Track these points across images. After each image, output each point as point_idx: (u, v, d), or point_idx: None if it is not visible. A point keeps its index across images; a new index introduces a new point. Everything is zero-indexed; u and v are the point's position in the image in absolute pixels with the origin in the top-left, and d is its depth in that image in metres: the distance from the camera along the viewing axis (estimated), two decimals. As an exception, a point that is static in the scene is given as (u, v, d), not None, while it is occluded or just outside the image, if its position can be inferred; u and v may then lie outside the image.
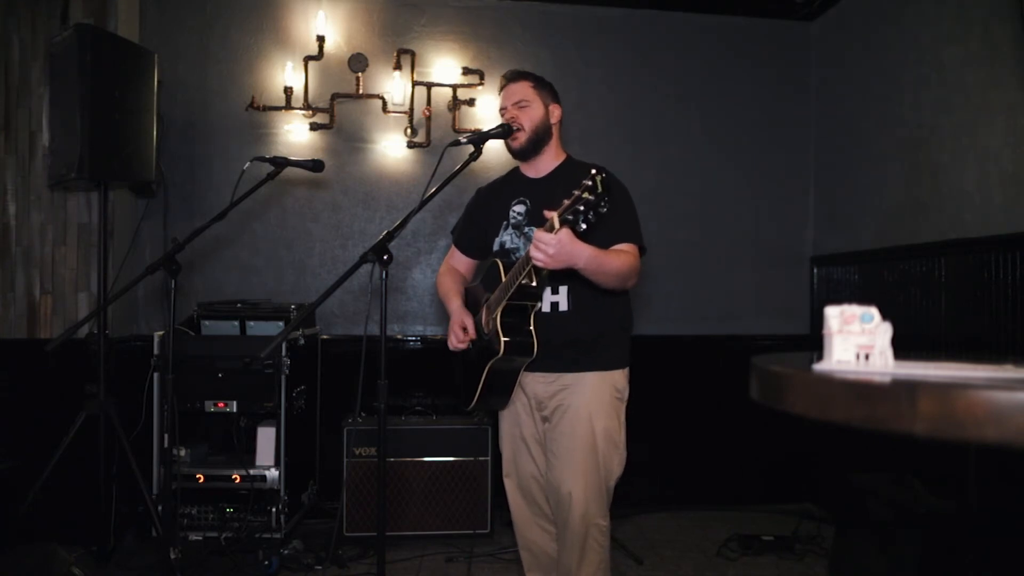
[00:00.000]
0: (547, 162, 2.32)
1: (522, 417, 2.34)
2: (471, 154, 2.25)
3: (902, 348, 0.92)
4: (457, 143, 2.24)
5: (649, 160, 4.10)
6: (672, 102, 4.16)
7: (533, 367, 2.21)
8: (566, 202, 1.77)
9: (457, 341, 2.27)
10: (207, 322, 3.29)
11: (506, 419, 2.39)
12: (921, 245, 3.31)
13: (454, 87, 3.94)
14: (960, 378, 0.82)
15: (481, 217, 2.44)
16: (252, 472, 3.10)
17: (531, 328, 2.13)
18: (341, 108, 3.90)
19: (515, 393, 2.29)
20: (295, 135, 3.86)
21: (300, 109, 3.82)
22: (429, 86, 3.93)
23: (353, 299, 3.90)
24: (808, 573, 3.16)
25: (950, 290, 3.12)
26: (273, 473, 3.11)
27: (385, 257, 2.04)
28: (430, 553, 3.28)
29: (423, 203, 2.18)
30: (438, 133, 3.94)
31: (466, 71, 3.96)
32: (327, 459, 3.63)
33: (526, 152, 2.29)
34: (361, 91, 3.87)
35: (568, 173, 2.22)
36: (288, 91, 3.80)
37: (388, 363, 2.11)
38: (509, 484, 2.40)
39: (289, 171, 2.72)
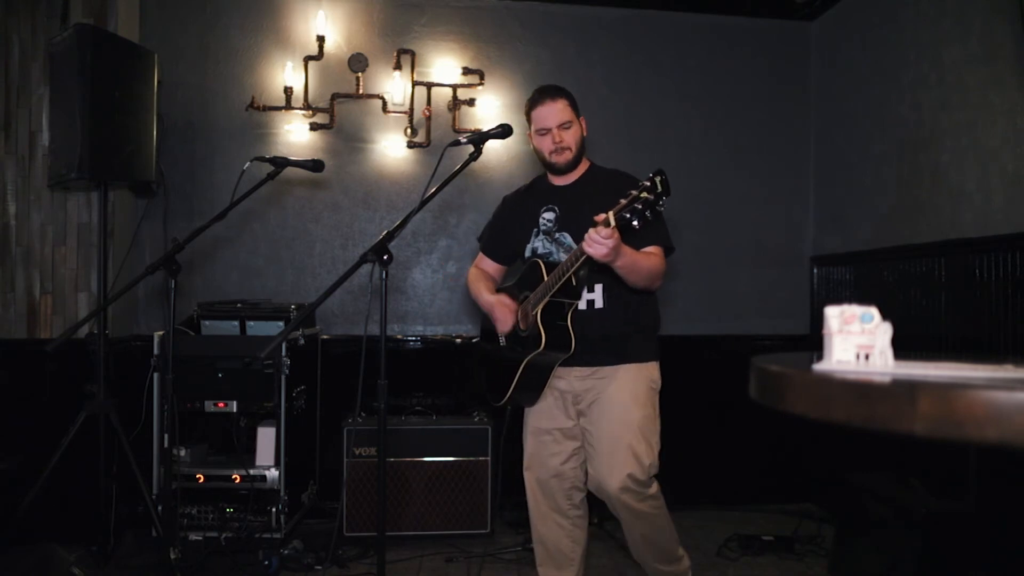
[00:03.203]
0: (575, 169, 2.40)
1: (553, 411, 2.38)
2: (471, 154, 2.26)
3: (902, 348, 0.92)
4: (457, 143, 2.26)
5: (649, 160, 4.03)
6: (672, 102, 4.16)
7: (569, 362, 2.28)
8: (623, 201, 1.87)
9: (504, 320, 2.31)
10: (207, 322, 3.29)
11: (532, 413, 2.44)
12: (921, 245, 3.31)
13: (454, 87, 3.94)
14: (960, 378, 0.82)
15: (509, 224, 2.52)
16: (252, 472, 3.10)
17: (568, 325, 2.21)
18: (341, 108, 3.90)
19: (547, 391, 2.35)
20: (295, 135, 3.86)
21: (300, 109, 3.82)
22: (429, 86, 3.93)
23: (353, 299, 3.90)
24: (808, 573, 3.16)
25: (950, 290, 3.12)
26: (273, 473, 3.11)
27: (385, 257, 2.05)
28: (430, 553, 3.28)
29: (423, 203, 2.19)
30: (438, 133, 3.94)
31: (466, 71, 3.96)
32: (327, 459, 3.63)
33: (570, 168, 2.38)
34: (361, 91, 3.87)
35: (594, 179, 2.35)
36: (288, 91, 3.80)
37: (388, 363, 2.11)
38: (528, 477, 2.44)
39: (289, 171, 2.72)
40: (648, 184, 1.84)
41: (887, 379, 0.82)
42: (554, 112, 2.32)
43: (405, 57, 3.91)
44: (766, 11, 4.17)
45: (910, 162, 3.43)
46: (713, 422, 4.07)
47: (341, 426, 3.40)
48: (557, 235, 2.35)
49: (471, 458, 3.42)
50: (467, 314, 4.02)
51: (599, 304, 2.30)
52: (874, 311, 0.90)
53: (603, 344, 2.28)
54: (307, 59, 3.83)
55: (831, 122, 4.13)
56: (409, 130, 3.91)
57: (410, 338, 3.97)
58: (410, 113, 3.90)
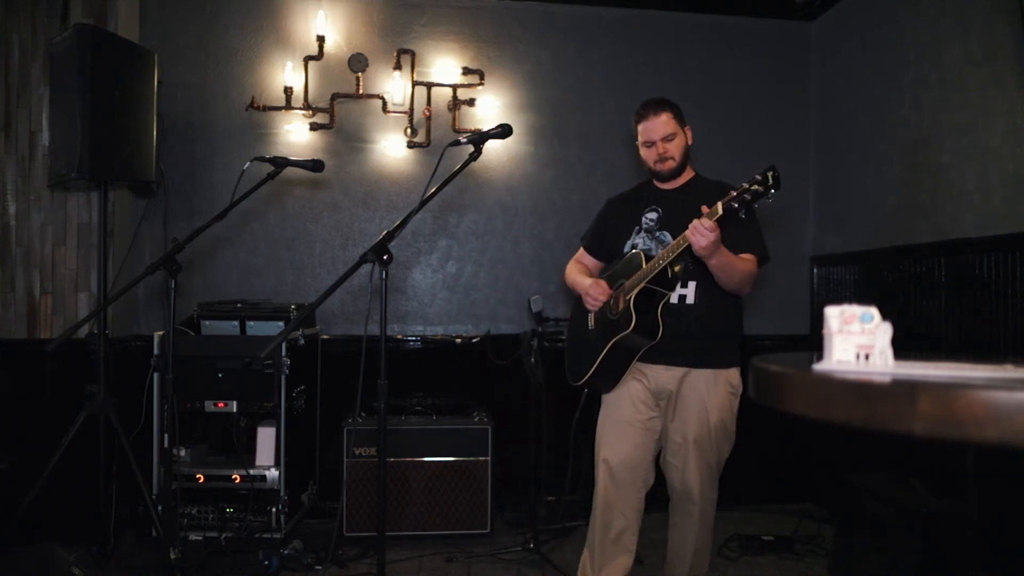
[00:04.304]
0: (680, 176, 2.49)
1: (636, 403, 2.45)
2: (471, 154, 2.27)
3: (902, 348, 0.92)
4: (457, 143, 2.26)
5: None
6: (672, 102, 4.16)
7: (658, 359, 2.38)
8: (733, 192, 2.01)
9: (595, 299, 2.42)
10: (207, 322, 3.29)
11: (611, 404, 2.50)
12: (921, 245, 3.31)
13: (454, 87, 3.94)
14: (960, 378, 0.82)
15: (612, 223, 2.61)
16: (252, 472, 3.10)
17: (658, 314, 2.31)
18: (341, 108, 3.90)
19: (628, 380, 2.44)
20: (295, 135, 3.86)
21: (300, 109, 3.82)
22: (429, 86, 3.93)
23: (353, 299, 3.90)
24: (808, 573, 3.16)
25: (950, 290, 3.12)
26: (273, 473, 3.11)
27: (385, 257, 2.05)
28: (430, 553, 3.28)
29: (423, 203, 2.19)
30: (438, 133, 3.94)
31: (466, 71, 3.96)
32: (327, 459, 3.63)
33: (674, 176, 2.47)
34: (361, 91, 3.87)
35: (698, 186, 2.45)
36: (288, 91, 3.80)
37: (388, 363, 2.12)
38: (603, 467, 2.48)
39: (289, 171, 2.72)
40: (760, 178, 1.98)
41: (887, 379, 0.82)
42: (658, 125, 2.41)
43: (405, 57, 3.91)
44: (766, 11, 4.17)
45: (910, 162, 3.43)
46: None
47: (341, 426, 3.40)
48: (658, 233, 2.44)
49: (471, 458, 3.41)
50: (467, 314, 4.02)
51: (691, 300, 2.37)
52: (874, 311, 0.90)
53: (690, 343, 2.36)
54: (307, 59, 3.83)
55: (831, 122, 4.13)
56: (409, 130, 3.91)
57: (410, 338, 3.97)
58: (410, 113, 3.90)
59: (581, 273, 2.61)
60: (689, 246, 2.10)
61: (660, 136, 2.41)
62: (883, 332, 0.90)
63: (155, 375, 3.11)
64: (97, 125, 2.85)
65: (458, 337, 3.98)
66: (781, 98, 4.26)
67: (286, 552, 3.11)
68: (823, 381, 0.85)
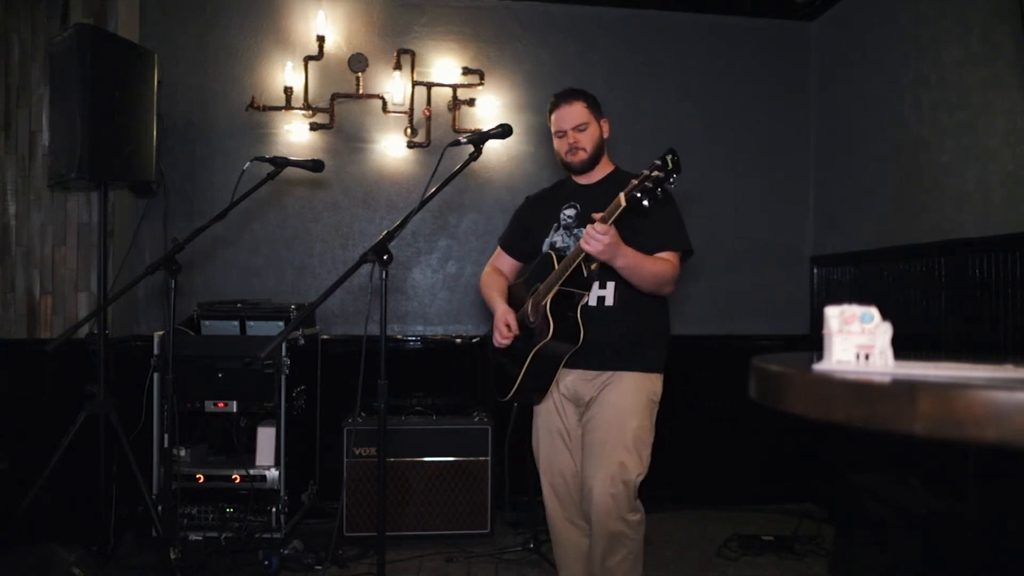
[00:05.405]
0: (598, 170, 2.44)
1: (560, 412, 2.40)
2: (471, 154, 2.27)
3: (902, 348, 0.92)
4: (457, 143, 2.26)
5: (648, 160, 4.09)
6: (672, 102, 4.16)
7: (575, 364, 2.28)
8: (634, 182, 1.94)
9: (502, 337, 2.36)
10: (207, 322, 3.29)
11: (542, 415, 2.46)
12: (921, 245, 3.31)
13: (454, 87, 3.94)
14: (960, 378, 0.82)
15: (530, 221, 2.55)
16: (252, 472, 3.10)
17: (578, 317, 2.22)
18: (341, 108, 3.90)
19: (553, 389, 2.37)
20: (295, 135, 3.86)
21: (300, 109, 3.82)
22: (429, 86, 3.93)
23: (353, 299, 3.90)
24: (808, 573, 3.16)
25: (950, 290, 3.12)
26: (273, 473, 3.11)
27: (385, 257, 2.06)
28: (430, 553, 3.28)
29: (423, 203, 2.19)
30: (438, 133, 3.94)
31: (466, 71, 3.96)
32: (327, 459, 3.63)
33: (586, 169, 2.41)
34: (361, 91, 3.87)
35: (617, 181, 2.34)
36: (288, 91, 3.80)
37: (388, 363, 2.12)
38: (544, 481, 2.45)
39: (289, 171, 2.72)
40: (659, 163, 1.92)
41: (887, 379, 0.82)
42: (570, 115, 2.35)
43: (405, 57, 3.91)
44: (766, 11, 4.17)
45: (910, 162, 3.43)
46: (713, 422, 4.06)
47: (341, 426, 3.40)
48: (576, 230, 2.37)
49: (471, 458, 3.41)
50: (467, 314, 4.02)
51: (609, 302, 2.29)
52: (874, 311, 0.90)
53: (611, 347, 2.27)
54: (307, 59, 3.83)
55: (831, 121, 4.12)
56: (409, 130, 3.90)
57: (410, 338, 3.97)
58: (410, 113, 3.90)
59: (494, 287, 2.52)
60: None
61: (571, 125, 2.34)
62: (883, 332, 0.90)
63: (155, 375, 3.11)
64: (97, 125, 2.85)
65: (458, 337, 3.98)
66: (781, 98, 4.26)
67: (286, 552, 3.11)
68: (823, 381, 0.85)
